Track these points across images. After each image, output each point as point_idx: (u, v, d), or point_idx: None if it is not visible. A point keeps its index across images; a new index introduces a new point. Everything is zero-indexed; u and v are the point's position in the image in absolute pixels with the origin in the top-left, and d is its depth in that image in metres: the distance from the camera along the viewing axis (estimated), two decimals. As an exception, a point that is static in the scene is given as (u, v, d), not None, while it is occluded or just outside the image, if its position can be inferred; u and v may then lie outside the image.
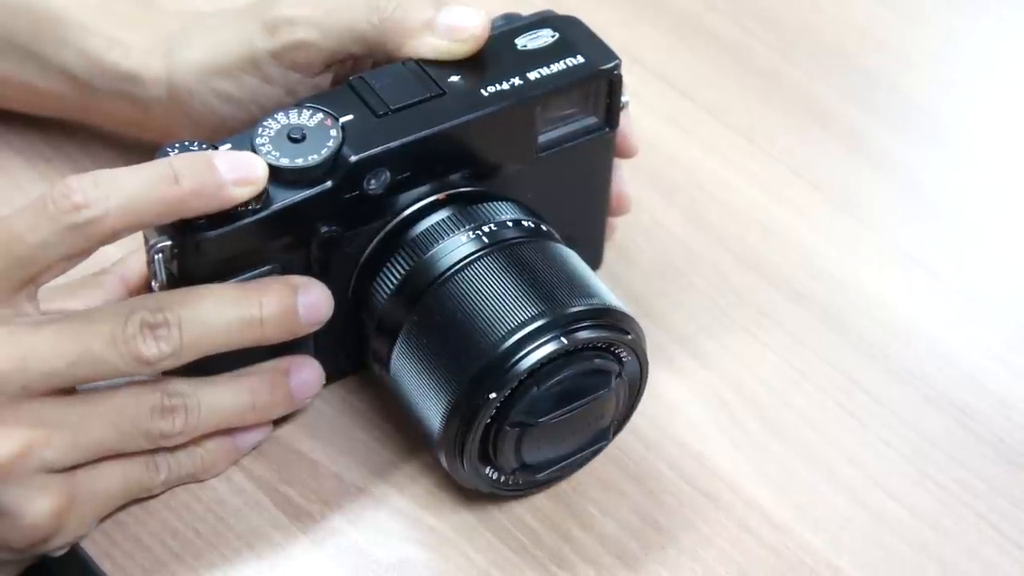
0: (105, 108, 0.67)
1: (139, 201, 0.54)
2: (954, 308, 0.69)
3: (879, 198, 0.74)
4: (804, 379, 0.66)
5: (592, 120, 0.63)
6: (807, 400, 0.65)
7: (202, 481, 0.60)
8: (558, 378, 0.56)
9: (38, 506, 0.54)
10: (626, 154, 0.65)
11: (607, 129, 0.63)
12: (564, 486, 0.61)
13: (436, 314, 0.58)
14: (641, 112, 0.68)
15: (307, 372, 0.61)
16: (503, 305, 0.56)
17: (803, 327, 0.68)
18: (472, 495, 0.60)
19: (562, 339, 0.56)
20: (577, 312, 0.56)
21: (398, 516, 0.60)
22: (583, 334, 0.56)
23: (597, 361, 0.57)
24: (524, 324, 0.56)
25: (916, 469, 0.63)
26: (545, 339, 0.56)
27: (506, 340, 0.55)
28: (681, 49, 0.81)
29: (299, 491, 0.61)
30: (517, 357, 0.55)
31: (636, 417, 0.61)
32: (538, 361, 0.55)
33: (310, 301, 0.58)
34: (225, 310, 0.56)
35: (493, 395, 0.56)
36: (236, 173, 0.55)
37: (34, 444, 0.54)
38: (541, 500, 0.61)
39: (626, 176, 0.67)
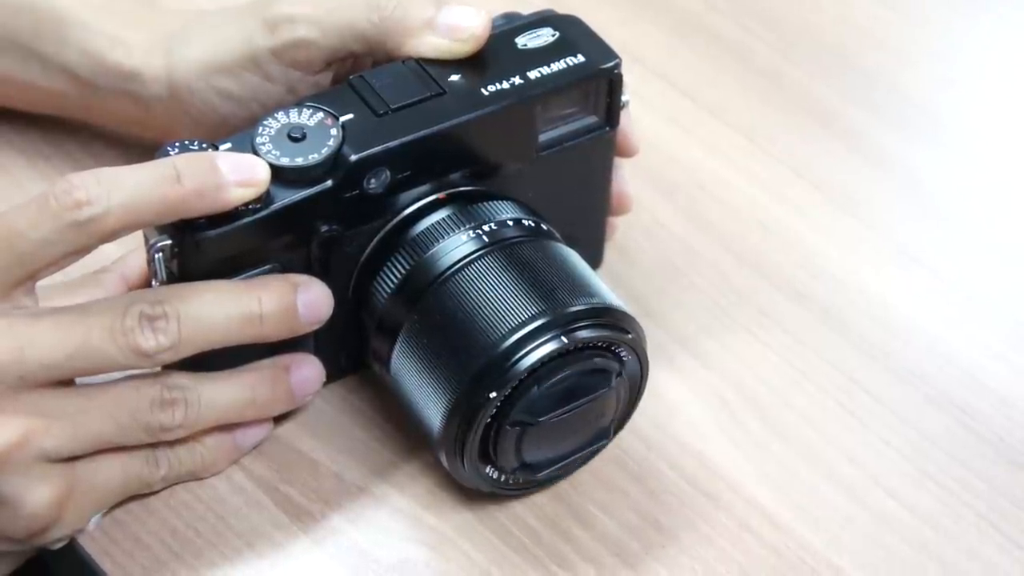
0: (107, 107, 0.67)
1: (140, 200, 0.54)
2: (954, 307, 0.69)
3: (879, 197, 0.74)
4: (805, 379, 0.66)
5: (592, 119, 0.63)
6: (807, 400, 0.65)
7: (202, 479, 0.60)
8: (558, 377, 0.56)
9: (37, 495, 0.54)
10: (626, 153, 0.65)
11: (607, 128, 0.63)
12: (565, 485, 0.61)
13: (436, 313, 0.58)
14: (641, 111, 0.68)
15: (307, 369, 0.61)
16: (503, 304, 0.56)
17: (804, 327, 0.68)
18: (473, 494, 0.60)
19: (562, 338, 0.56)
20: (577, 311, 0.56)
21: (398, 515, 0.60)
22: (583, 333, 0.56)
23: (597, 360, 0.57)
24: (524, 323, 0.56)
25: (916, 469, 0.63)
26: (545, 338, 0.56)
27: (506, 339, 0.55)
28: (682, 49, 0.81)
29: (299, 490, 0.61)
30: (517, 356, 0.55)
31: (637, 417, 0.61)
32: (538, 360, 0.55)
33: (310, 299, 0.58)
34: (224, 305, 0.56)
35: (493, 394, 0.56)
36: (238, 174, 0.55)
37: (32, 433, 0.54)
38: (542, 499, 0.61)
39: (627, 175, 0.67)
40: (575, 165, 0.63)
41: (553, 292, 0.57)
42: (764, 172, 0.75)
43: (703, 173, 0.74)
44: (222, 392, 0.58)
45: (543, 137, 0.62)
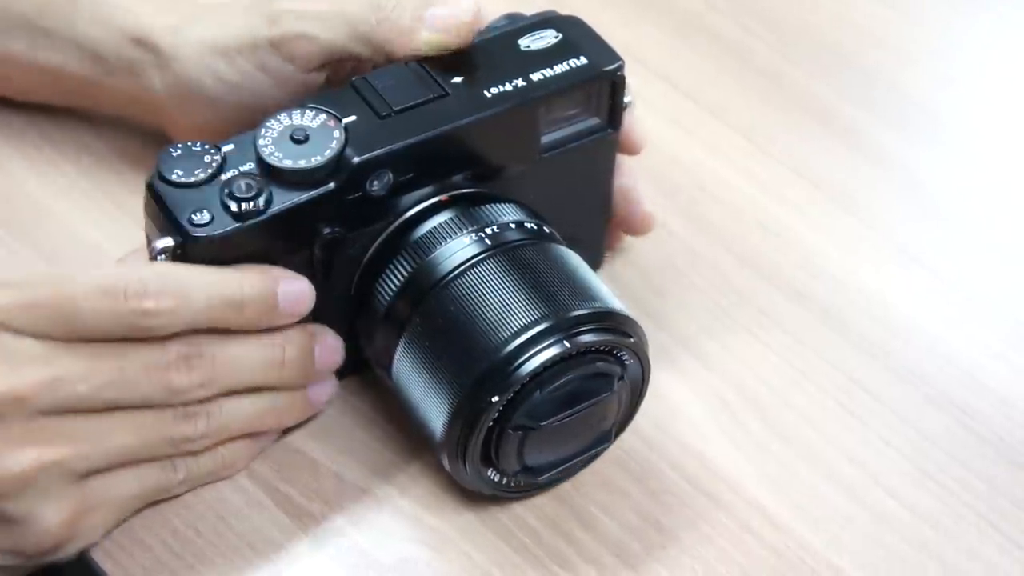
0: (107, 84, 0.68)
1: (201, 320, 0.55)
2: (954, 307, 0.69)
3: (879, 197, 0.74)
4: (805, 379, 0.66)
5: (595, 121, 0.63)
6: (808, 400, 0.65)
7: (224, 479, 0.60)
8: (561, 382, 0.56)
9: (51, 515, 0.54)
10: (631, 151, 0.66)
11: (609, 130, 0.63)
12: (566, 486, 0.61)
13: (439, 317, 0.58)
14: (643, 113, 0.68)
15: (324, 384, 0.61)
16: (506, 308, 0.56)
17: (804, 327, 0.68)
18: (473, 496, 0.60)
19: (565, 343, 0.56)
20: (579, 316, 0.56)
21: (399, 516, 0.60)
22: (586, 338, 0.56)
23: (600, 364, 0.57)
24: (527, 328, 0.56)
25: (916, 468, 0.63)
26: (548, 343, 0.56)
27: (509, 343, 0.55)
28: (683, 49, 0.81)
29: (300, 491, 0.61)
30: (520, 361, 0.55)
31: (638, 417, 0.61)
32: (541, 365, 0.55)
33: (326, 346, 0.60)
34: (252, 349, 0.57)
35: (495, 398, 0.56)
36: (289, 307, 0.57)
37: (57, 457, 0.54)
38: (543, 500, 0.61)
39: (646, 192, 0.67)
40: (577, 167, 0.63)
41: (555, 296, 0.57)
42: (764, 172, 0.75)
43: (703, 174, 0.74)
44: (244, 401, 0.58)
45: (545, 139, 0.62)
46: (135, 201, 0.58)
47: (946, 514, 0.62)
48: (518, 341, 0.55)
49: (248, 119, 0.65)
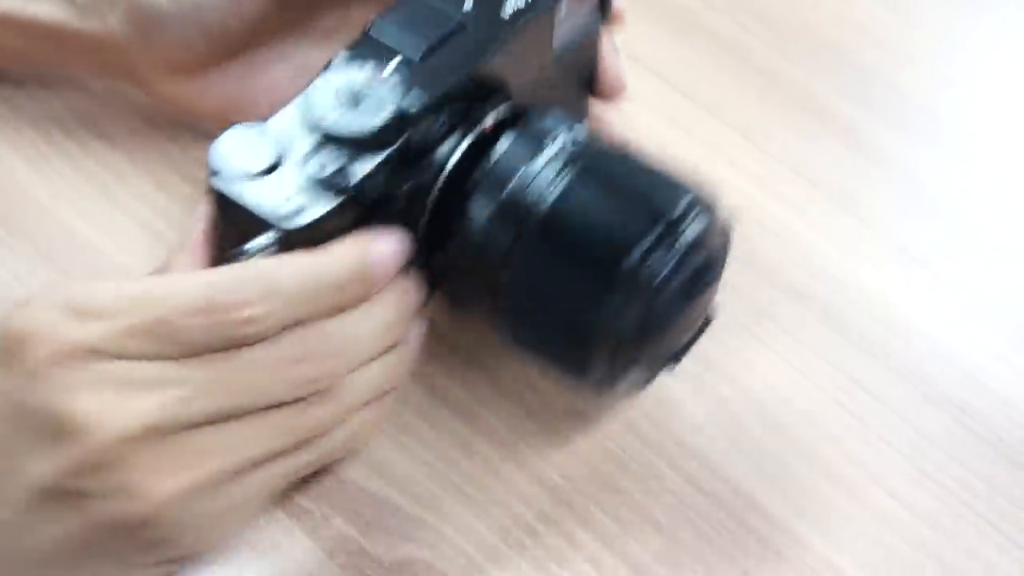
0: (80, 30, 0.68)
1: (302, 314, 0.53)
2: (954, 307, 0.69)
3: (879, 196, 0.74)
4: (804, 378, 0.66)
5: (590, 13, 0.64)
6: (807, 399, 0.65)
7: (356, 450, 0.57)
8: (680, 281, 0.56)
9: (194, 530, 0.52)
10: (616, 20, 0.67)
11: (601, 19, 0.65)
12: (565, 485, 0.61)
13: (547, 249, 0.57)
14: (641, 111, 0.68)
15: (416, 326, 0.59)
16: (615, 221, 0.57)
17: (803, 326, 0.68)
18: (472, 496, 0.61)
19: (677, 242, 0.56)
20: (678, 212, 0.57)
21: (399, 515, 0.60)
22: (690, 231, 0.56)
23: (705, 250, 0.58)
24: (640, 238, 0.56)
25: (916, 468, 0.63)
26: (663, 247, 0.56)
27: (629, 263, 0.55)
28: (680, 48, 0.81)
29: (299, 490, 0.60)
30: (642, 277, 0.55)
31: (637, 416, 0.62)
32: (667, 268, 0.56)
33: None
34: (363, 323, 0.55)
35: (631, 316, 0.56)
36: (387, 270, 0.55)
37: (195, 478, 0.51)
38: (542, 499, 0.61)
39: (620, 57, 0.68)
40: (575, 59, 0.64)
41: (650, 197, 0.57)
42: (762, 171, 0.75)
43: (702, 173, 0.74)
44: (366, 371, 0.56)
45: (556, 42, 0.62)
46: (121, 188, 0.58)
47: (945, 514, 0.62)
48: (634, 259, 0.55)
49: (211, 50, 0.65)
